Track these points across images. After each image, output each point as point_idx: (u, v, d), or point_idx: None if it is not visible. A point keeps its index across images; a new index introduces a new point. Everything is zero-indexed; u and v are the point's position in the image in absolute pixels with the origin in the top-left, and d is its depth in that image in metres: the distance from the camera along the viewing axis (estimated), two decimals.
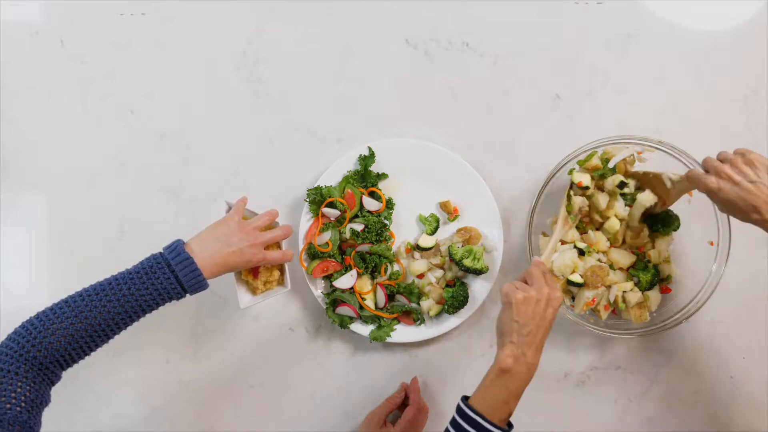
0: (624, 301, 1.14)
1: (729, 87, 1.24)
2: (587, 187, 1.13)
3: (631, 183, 1.14)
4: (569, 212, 1.14)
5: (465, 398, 0.96)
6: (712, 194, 0.95)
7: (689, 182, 0.99)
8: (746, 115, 1.24)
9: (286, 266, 1.11)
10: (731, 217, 1.09)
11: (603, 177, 1.14)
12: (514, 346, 0.93)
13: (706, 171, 0.96)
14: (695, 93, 1.24)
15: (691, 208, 1.15)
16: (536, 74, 1.24)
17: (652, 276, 1.14)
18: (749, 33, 1.24)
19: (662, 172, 1.09)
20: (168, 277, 0.94)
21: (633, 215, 1.14)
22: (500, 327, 0.97)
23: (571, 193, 1.14)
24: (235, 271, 1.06)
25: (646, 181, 1.13)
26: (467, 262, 1.16)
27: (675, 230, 1.16)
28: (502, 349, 0.94)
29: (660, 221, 1.15)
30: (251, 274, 1.09)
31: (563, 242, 1.17)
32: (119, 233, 1.23)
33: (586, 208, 1.14)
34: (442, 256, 1.20)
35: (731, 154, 0.95)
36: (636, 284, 1.15)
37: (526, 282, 1.00)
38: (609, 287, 1.14)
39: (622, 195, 1.14)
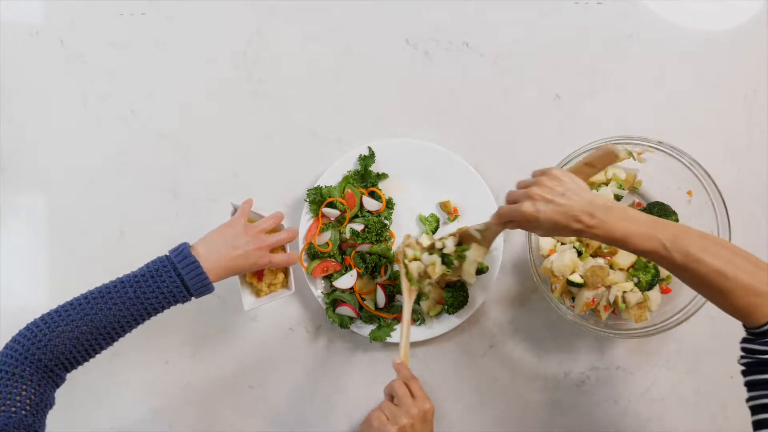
0: (624, 301, 1.14)
1: (729, 87, 1.24)
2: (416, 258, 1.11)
3: (449, 241, 1.08)
4: (410, 280, 1.10)
5: None
6: (532, 220, 0.89)
7: (502, 218, 0.95)
8: (746, 115, 1.24)
9: (291, 269, 1.11)
10: (730, 217, 1.08)
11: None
12: None
13: (513, 203, 0.93)
14: (695, 93, 1.24)
15: (691, 208, 1.15)
16: (536, 74, 1.24)
17: (652, 276, 1.14)
18: (749, 33, 1.24)
19: (467, 226, 1.07)
20: (174, 281, 0.94)
21: (467, 271, 1.06)
22: None
23: (406, 261, 1.11)
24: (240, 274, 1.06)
25: (462, 237, 1.08)
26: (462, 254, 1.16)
27: None
28: None
29: (657, 213, 1.15)
30: (256, 276, 1.09)
31: (562, 242, 1.17)
32: (119, 233, 1.23)
33: (424, 271, 1.10)
34: None
35: (531, 178, 0.92)
36: (636, 284, 1.14)
37: (393, 398, 1.00)
38: (609, 287, 1.14)
39: (445, 256, 1.07)
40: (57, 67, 1.25)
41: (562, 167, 1.11)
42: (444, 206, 1.21)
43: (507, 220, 0.94)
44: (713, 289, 0.84)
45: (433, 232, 1.21)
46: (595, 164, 0.93)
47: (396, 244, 1.21)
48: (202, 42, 1.25)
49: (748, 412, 0.82)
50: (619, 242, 0.87)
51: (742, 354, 0.84)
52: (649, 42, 1.24)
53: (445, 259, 1.08)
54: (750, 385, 0.82)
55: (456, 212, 1.21)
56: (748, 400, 0.82)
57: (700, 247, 0.84)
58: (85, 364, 0.93)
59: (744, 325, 0.84)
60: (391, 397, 1.01)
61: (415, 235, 1.22)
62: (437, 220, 1.21)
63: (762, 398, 0.80)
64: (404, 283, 1.12)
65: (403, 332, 1.08)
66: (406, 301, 1.11)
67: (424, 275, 1.10)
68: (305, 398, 1.22)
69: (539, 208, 0.88)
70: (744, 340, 0.84)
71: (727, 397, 1.21)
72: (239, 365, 1.22)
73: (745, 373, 0.83)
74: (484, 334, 1.22)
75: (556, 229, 0.89)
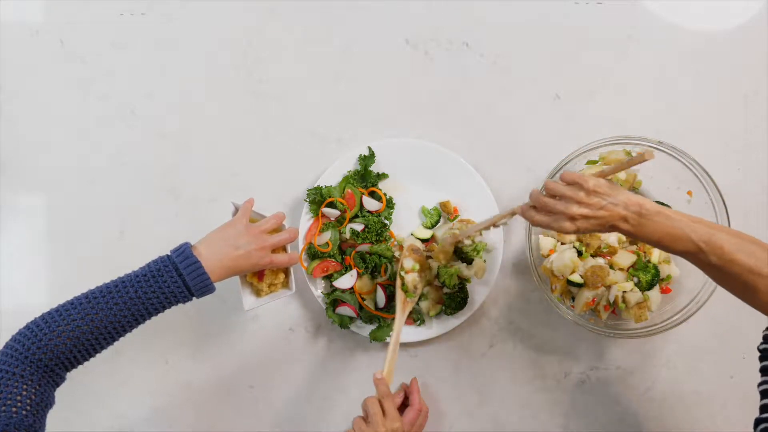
0: (624, 301, 1.14)
1: (729, 87, 1.24)
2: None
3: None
4: (406, 292, 1.13)
5: None
6: (569, 233, 0.92)
7: (535, 224, 0.95)
8: (746, 115, 1.24)
9: (291, 269, 1.11)
10: (730, 217, 1.09)
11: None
12: None
13: (538, 207, 0.94)
14: (695, 93, 1.24)
15: (691, 208, 1.15)
16: (536, 74, 1.24)
17: (652, 276, 1.14)
18: (749, 33, 1.24)
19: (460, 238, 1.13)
20: (175, 281, 0.94)
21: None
22: None
23: (402, 273, 1.13)
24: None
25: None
26: (466, 249, 1.15)
27: None
28: None
29: None
30: (256, 276, 1.09)
31: (562, 242, 1.17)
32: (119, 233, 1.23)
33: (420, 284, 1.14)
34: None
35: (567, 189, 0.90)
36: (636, 284, 1.14)
37: (367, 417, 1.02)
38: (609, 287, 1.14)
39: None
40: (57, 67, 1.25)
41: (562, 167, 1.11)
42: (444, 206, 1.21)
43: (539, 226, 0.95)
44: (747, 287, 0.85)
45: (432, 226, 1.20)
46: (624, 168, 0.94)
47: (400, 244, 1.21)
48: (202, 42, 1.25)
49: (747, 412, 0.83)
50: (654, 245, 0.89)
51: (763, 341, 0.85)
52: (649, 42, 1.24)
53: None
54: (764, 370, 0.84)
55: (456, 212, 1.21)
56: (760, 384, 0.83)
57: (734, 246, 0.85)
58: (86, 363, 0.93)
59: None
60: (366, 413, 1.03)
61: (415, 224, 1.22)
62: (439, 215, 1.21)
63: None
64: (399, 296, 1.12)
65: (391, 347, 1.09)
66: (399, 314, 1.12)
67: (419, 288, 1.13)
68: (305, 398, 1.22)
69: (579, 226, 0.90)
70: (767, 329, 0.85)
71: (727, 397, 1.21)
72: (239, 365, 1.22)
73: (761, 359, 0.85)
74: (484, 334, 1.22)
75: (593, 233, 0.93)
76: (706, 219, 0.89)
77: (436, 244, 1.19)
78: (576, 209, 0.89)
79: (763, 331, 0.86)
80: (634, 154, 1.13)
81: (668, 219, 0.87)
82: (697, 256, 0.87)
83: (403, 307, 1.13)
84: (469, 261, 1.16)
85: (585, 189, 0.89)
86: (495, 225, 1.07)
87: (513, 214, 1.02)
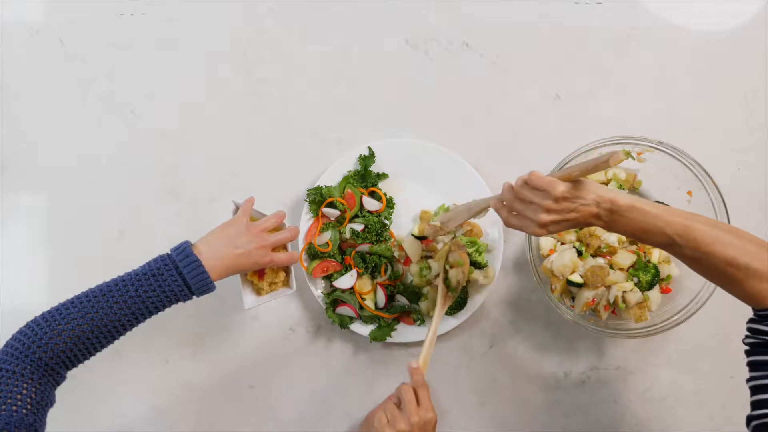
0: (624, 301, 1.14)
1: (729, 87, 1.24)
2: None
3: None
4: (448, 286, 1.12)
5: None
6: (542, 236, 0.92)
7: (508, 226, 0.94)
8: (746, 115, 1.24)
9: (292, 268, 1.11)
10: (730, 217, 1.09)
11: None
12: None
13: (508, 208, 0.93)
14: (695, 93, 1.24)
15: (691, 208, 1.15)
16: (536, 74, 1.24)
17: (652, 276, 1.14)
18: (749, 33, 1.24)
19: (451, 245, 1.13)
20: (175, 279, 0.94)
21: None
22: None
23: (447, 267, 1.11)
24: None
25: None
26: (469, 252, 1.15)
27: None
28: None
29: None
30: (257, 275, 1.09)
31: (562, 242, 1.17)
32: (119, 233, 1.23)
33: (462, 280, 1.12)
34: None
35: (535, 195, 0.88)
36: (636, 284, 1.14)
37: (399, 402, 1.00)
38: (609, 287, 1.14)
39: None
40: (57, 67, 1.25)
41: (562, 167, 1.11)
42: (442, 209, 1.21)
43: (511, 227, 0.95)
44: (725, 278, 0.84)
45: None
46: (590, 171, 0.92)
47: (416, 243, 1.20)
48: (202, 42, 1.25)
49: (747, 412, 0.82)
50: (630, 237, 0.89)
51: (748, 334, 0.83)
52: (649, 42, 1.24)
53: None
54: (752, 365, 0.82)
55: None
56: (749, 380, 0.82)
57: (710, 238, 0.83)
58: (86, 362, 0.93)
59: (752, 307, 0.84)
60: (399, 399, 1.01)
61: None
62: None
63: (763, 379, 0.80)
64: (441, 290, 1.12)
65: (428, 338, 1.08)
66: (439, 308, 1.11)
67: (461, 283, 1.12)
68: (305, 398, 1.22)
69: (550, 230, 0.89)
70: (751, 320, 0.83)
71: (727, 397, 1.21)
72: (239, 365, 1.22)
73: (748, 353, 0.83)
74: (484, 334, 1.22)
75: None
76: (683, 210, 0.87)
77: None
78: (545, 217, 0.88)
79: (747, 323, 0.84)
80: (634, 155, 1.14)
81: (641, 213, 0.86)
82: (673, 249, 0.86)
83: (444, 301, 1.11)
84: (479, 267, 1.16)
85: (553, 197, 0.87)
86: (473, 217, 1.07)
87: (488, 207, 1.02)
